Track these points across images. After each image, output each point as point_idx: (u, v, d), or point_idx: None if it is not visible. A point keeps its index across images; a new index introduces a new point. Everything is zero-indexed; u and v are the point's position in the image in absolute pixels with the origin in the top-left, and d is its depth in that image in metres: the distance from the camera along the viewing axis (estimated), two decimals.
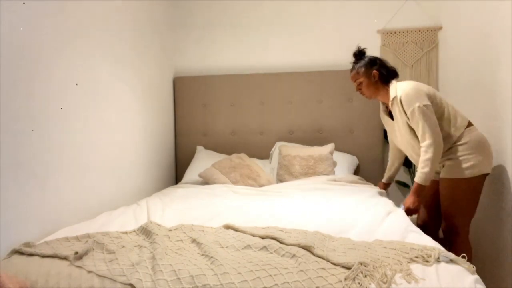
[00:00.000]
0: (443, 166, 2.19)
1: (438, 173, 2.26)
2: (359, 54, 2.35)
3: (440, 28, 3.14)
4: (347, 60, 3.19)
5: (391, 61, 3.21)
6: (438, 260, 1.41)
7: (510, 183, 2.13)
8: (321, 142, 3.25)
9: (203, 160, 3.25)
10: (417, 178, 2.11)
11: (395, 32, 3.21)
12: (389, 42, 3.22)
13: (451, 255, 1.44)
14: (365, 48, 2.37)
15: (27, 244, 1.63)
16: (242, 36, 3.45)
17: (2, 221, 1.65)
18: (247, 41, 3.44)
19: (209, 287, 1.28)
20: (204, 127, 3.45)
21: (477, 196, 2.14)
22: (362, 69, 2.29)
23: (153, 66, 3.11)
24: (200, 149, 3.40)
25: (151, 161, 3.05)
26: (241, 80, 3.38)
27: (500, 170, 2.24)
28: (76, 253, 1.49)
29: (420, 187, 2.12)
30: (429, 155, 2.05)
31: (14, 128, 1.71)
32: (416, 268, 1.36)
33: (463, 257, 1.43)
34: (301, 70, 3.34)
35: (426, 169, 2.07)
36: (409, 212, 2.15)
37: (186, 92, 3.46)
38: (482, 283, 1.35)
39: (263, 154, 3.33)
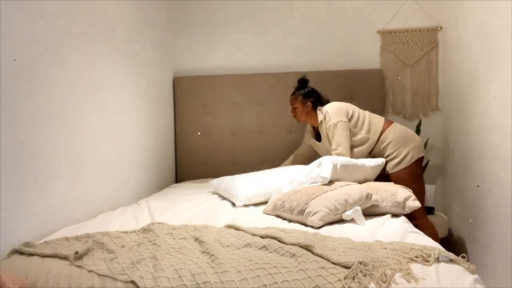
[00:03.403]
0: (387, 163, 2.58)
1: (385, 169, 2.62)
2: (303, 82, 2.79)
3: (440, 28, 3.14)
4: (347, 60, 3.22)
5: (391, 61, 3.22)
6: (438, 260, 1.41)
7: (506, 182, 2.13)
8: None
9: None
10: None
11: (395, 32, 3.21)
12: (389, 42, 3.23)
13: (451, 255, 1.44)
14: (308, 79, 2.79)
15: (27, 244, 1.63)
16: (242, 36, 3.45)
17: (2, 221, 1.65)
18: (247, 41, 3.44)
19: (209, 285, 1.29)
20: (204, 127, 3.45)
21: (420, 178, 2.60)
22: (300, 97, 2.75)
23: (153, 66, 3.11)
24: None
25: (151, 161, 3.05)
26: (241, 80, 3.38)
27: (498, 167, 2.24)
28: (76, 253, 1.49)
29: None
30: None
31: (14, 128, 1.71)
32: (416, 268, 1.36)
33: (463, 257, 1.44)
34: (301, 70, 3.33)
35: None
36: None
37: (186, 92, 3.46)
38: (482, 282, 1.36)
39: (263, 154, 3.33)
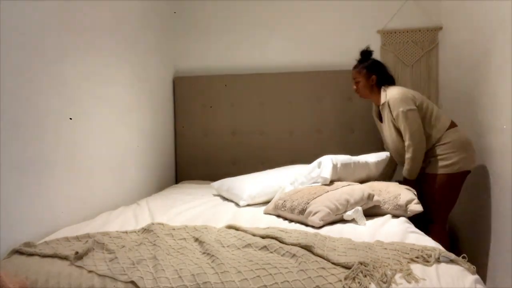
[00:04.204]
0: (429, 162, 2.41)
1: (423, 168, 2.45)
2: (366, 54, 2.57)
3: (440, 28, 3.13)
4: (347, 60, 3.20)
5: (391, 61, 3.21)
6: (438, 260, 1.42)
7: (506, 181, 2.14)
8: (321, 142, 3.25)
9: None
10: (403, 172, 2.46)
11: (395, 32, 3.21)
12: (389, 42, 3.22)
13: (452, 255, 1.44)
14: (373, 50, 2.58)
15: (27, 244, 1.63)
16: (242, 36, 3.45)
17: (2, 221, 1.64)
18: (247, 41, 3.44)
19: (210, 285, 1.29)
20: (204, 127, 3.45)
21: (455, 191, 2.40)
22: (364, 71, 2.53)
23: (153, 66, 3.11)
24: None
25: (151, 161, 3.04)
26: (241, 80, 3.38)
27: (498, 167, 2.24)
28: (77, 253, 1.49)
29: (406, 180, 2.43)
30: (409, 154, 2.37)
31: (14, 128, 1.71)
32: (416, 268, 1.37)
33: (464, 257, 1.44)
34: (301, 70, 3.33)
35: (407, 166, 2.40)
36: None
37: (186, 92, 3.46)
38: (482, 283, 1.36)
39: (263, 154, 3.33)
